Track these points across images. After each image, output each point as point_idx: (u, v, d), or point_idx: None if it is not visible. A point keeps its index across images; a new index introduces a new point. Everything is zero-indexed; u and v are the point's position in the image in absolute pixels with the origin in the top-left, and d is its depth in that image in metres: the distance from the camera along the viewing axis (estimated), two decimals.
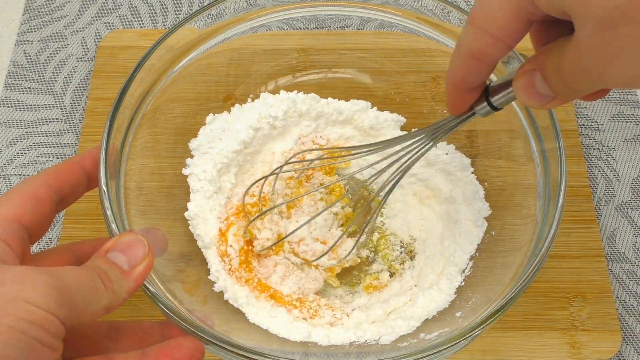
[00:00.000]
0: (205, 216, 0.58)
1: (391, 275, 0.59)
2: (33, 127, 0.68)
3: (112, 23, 0.75)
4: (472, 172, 0.61)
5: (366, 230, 0.58)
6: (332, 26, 0.70)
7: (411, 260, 0.59)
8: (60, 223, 0.62)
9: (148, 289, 0.46)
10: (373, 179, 0.54)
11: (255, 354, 0.45)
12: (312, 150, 0.61)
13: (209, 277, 0.56)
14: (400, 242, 0.60)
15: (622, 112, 0.69)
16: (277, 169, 0.58)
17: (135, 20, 0.75)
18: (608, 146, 0.67)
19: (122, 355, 0.43)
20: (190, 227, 0.57)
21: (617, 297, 0.60)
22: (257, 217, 0.57)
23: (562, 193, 0.50)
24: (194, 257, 0.57)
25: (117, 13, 0.75)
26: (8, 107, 0.69)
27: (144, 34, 0.72)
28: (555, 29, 0.38)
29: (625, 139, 0.68)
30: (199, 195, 0.58)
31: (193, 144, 0.61)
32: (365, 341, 0.53)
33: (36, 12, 0.75)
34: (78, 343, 0.43)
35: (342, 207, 0.60)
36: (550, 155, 0.52)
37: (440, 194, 0.61)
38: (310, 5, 0.62)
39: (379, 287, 0.58)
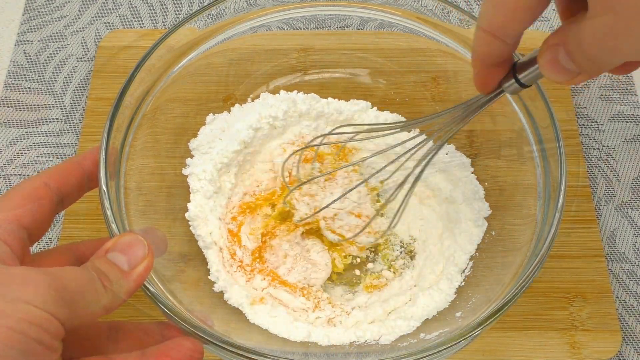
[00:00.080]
0: (206, 216, 0.58)
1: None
2: (33, 127, 0.68)
3: (112, 23, 0.75)
4: (472, 172, 0.61)
5: (402, 207, 0.57)
6: (332, 26, 0.70)
7: (411, 260, 0.59)
8: (60, 223, 0.62)
9: (148, 289, 0.46)
10: (412, 153, 0.53)
11: (255, 354, 0.45)
12: (345, 133, 0.60)
13: (209, 277, 0.56)
14: (400, 242, 0.60)
15: (622, 112, 0.69)
16: (316, 138, 0.59)
17: (135, 20, 0.75)
18: (608, 146, 0.67)
19: (122, 356, 0.43)
20: (191, 228, 0.57)
21: (617, 297, 0.60)
22: (296, 186, 0.57)
23: (562, 193, 0.50)
24: (194, 257, 0.57)
25: (117, 13, 0.75)
26: (8, 107, 0.69)
27: (144, 34, 0.72)
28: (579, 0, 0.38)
29: (625, 139, 0.68)
30: (199, 195, 0.58)
31: (193, 144, 0.61)
32: (365, 341, 0.53)
33: (36, 12, 0.75)
34: (78, 343, 0.43)
35: (381, 182, 0.60)
36: (550, 155, 0.52)
37: (440, 194, 0.60)
38: (310, 5, 0.62)
39: (379, 286, 0.58)
